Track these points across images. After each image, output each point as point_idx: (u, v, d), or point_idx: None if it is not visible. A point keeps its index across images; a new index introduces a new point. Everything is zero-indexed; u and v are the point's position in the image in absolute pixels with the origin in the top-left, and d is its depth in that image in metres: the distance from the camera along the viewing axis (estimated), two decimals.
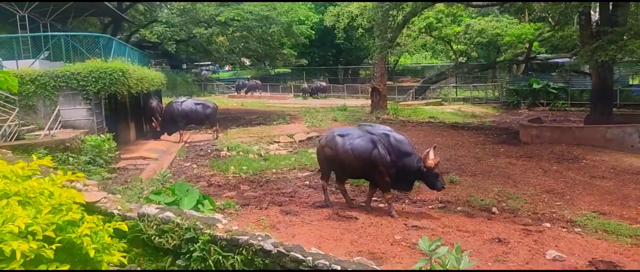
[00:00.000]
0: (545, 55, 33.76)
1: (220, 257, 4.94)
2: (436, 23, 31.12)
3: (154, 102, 18.64)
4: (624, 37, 15.16)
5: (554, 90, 30.14)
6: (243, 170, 12.24)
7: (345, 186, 10.66)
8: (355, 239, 7.00)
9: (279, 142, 16.93)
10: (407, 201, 9.43)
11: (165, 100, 21.52)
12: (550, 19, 28.83)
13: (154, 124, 17.46)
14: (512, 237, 7.22)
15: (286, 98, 39.76)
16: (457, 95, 35.67)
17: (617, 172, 11.68)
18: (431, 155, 8.04)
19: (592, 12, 17.91)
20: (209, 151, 15.57)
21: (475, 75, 37.51)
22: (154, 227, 5.56)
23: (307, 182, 11.04)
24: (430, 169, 8.02)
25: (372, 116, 23.16)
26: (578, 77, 30.70)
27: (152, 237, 5.55)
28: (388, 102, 26.41)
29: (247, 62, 40.22)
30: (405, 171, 8.20)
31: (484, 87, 35.97)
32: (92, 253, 3.91)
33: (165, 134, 17.60)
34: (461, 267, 3.69)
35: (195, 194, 6.82)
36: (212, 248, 5.02)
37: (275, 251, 4.70)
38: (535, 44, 31.13)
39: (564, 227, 7.89)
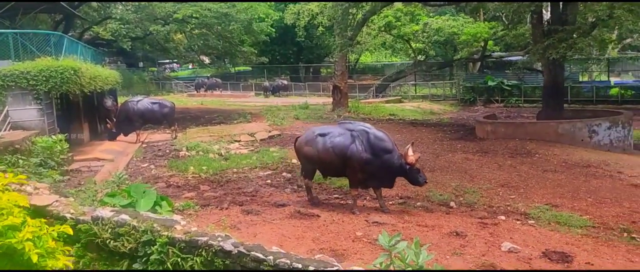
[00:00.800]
0: (499, 53, 34.89)
1: (179, 260, 4.84)
2: (395, 22, 31.57)
3: (108, 102, 18.07)
4: (574, 35, 15.78)
5: (508, 88, 31.17)
6: (203, 170, 12.04)
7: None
8: (317, 236, 7.01)
9: (239, 141, 16.75)
10: (368, 197, 9.51)
11: (122, 100, 20.91)
12: (504, 18, 29.80)
13: (108, 124, 16.95)
14: (469, 230, 7.40)
15: (247, 96, 39.42)
16: (416, 93, 36.31)
17: (568, 165, 12.16)
18: (410, 151, 8.13)
19: (543, 12, 18.55)
20: (168, 151, 15.24)
21: (433, 73, 38.31)
22: (109, 230, 5.41)
23: (269, 181, 10.98)
24: (411, 165, 8.08)
25: (334, 114, 23.27)
26: (531, 74, 31.88)
27: (107, 241, 5.39)
28: (349, 100, 26.61)
29: (206, 60, 39.54)
30: (386, 168, 8.19)
31: (442, 85, 36.79)
32: (35, 258, 3.76)
33: (121, 134, 17.09)
34: (420, 261, 3.74)
35: (153, 195, 6.66)
36: (170, 250, 4.91)
37: (236, 251, 4.64)
38: (490, 42, 32.08)
39: (518, 220, 8.15)
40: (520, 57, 31.20)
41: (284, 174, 11.65)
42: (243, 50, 30.69)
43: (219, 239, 4.84)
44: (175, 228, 5.11)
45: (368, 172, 8.25)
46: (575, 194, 9.69)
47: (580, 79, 34.24)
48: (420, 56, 36.07)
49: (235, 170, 12.18)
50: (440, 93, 35.51)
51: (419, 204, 9.07)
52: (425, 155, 13.77)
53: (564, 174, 11.34)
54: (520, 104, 29.80)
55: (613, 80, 34.08)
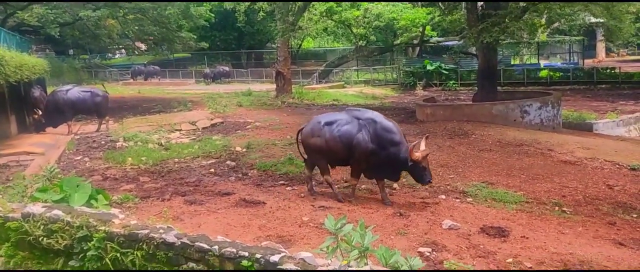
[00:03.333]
0: (437, 38, 35.87)
1: (118, 255, 4.65)
2: (336, 7, 31.60)
3: (36, 92, 17.02)
4: (506, 20, 16.33)
5: (445, 71, 32.14)
6: (142, 161, 11.63)
7: (253, 171, 10.59)
8: (263, 224, 6.96)
9: (180, 130, 16.29)
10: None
11: (51, 90, 19.74)
12: (440, 4, 30.56)
13: (35, 115, 15.95)
14: (411, 210, 7.60)
15: (187, 84, 38.37)
16: (358, 78, 36.70)
17: (502, 144, 12.69)
18: (422, 146, 7.71)
19: None
20: (103, 142, 14.57)
21: (374, 58, 38.84)
22: (41, 227, 5.12)
23: (213, 170, 10.77)
24: (415, 162, 7.49)
25: (278, 100, 23.11)
26: (466, 58, 33.06)
27: (40, 238, 5.11)
28: (293, 86, 26.49)
29: (142, 46, 38.02)
30: (390, 160, 7.73)
31: (383, 70, 37.39)
32: None
33: (51, 126, 16.15)
34: (365, 243, 3.78)
35: (87, 189, 6.35)
36: (108, 245, 4.70)
37: (179, 243, 4.50)
38: (428, 28, 32.87)
39: (457, 198, 8.45)
40: (457, 42, 32.22)
41: (228, 162, 11.46)
42: (181, 36, 29.74)
43: (161, 231, 4.68)
44: (113, 222, 4.90)
45: (372, 164, 7.94)
46: (510, 171, 10.15)
47: (512, 62, 35.94)
48: (361, 42, 36.44)
49: (176, 160, 11.84)
50: (382, 78, 36.08)
51: (363, 187, 9.19)
52: None
53: (498, 153, 11.83)
54: (457, 88, 30.84)
55: (542, 62, 36.01)
